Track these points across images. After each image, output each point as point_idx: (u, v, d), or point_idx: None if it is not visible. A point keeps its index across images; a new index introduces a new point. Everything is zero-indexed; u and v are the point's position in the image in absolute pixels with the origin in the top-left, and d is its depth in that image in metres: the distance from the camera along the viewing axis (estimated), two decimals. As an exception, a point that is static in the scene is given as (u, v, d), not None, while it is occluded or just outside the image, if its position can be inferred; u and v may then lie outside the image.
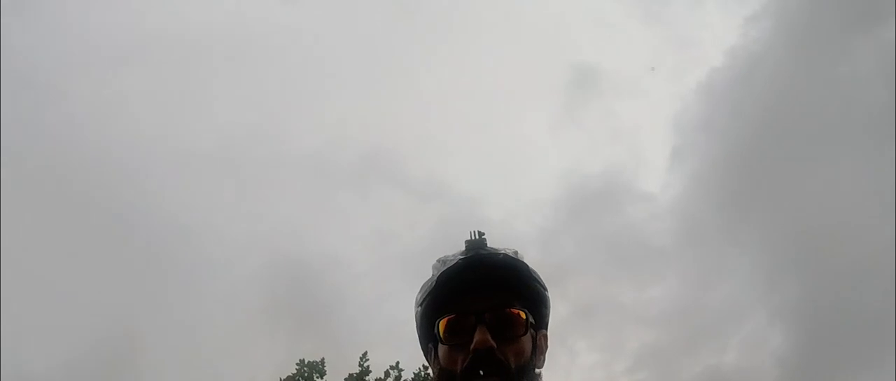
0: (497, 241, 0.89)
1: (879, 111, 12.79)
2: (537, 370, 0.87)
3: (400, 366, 10.40)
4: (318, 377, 10.15)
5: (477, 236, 0.88)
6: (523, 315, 0.85)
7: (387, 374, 10.36)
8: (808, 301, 13.11)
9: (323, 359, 10.25)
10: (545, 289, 0.90)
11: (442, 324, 0.85)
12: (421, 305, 0.89)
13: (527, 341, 0.85)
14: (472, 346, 0.82)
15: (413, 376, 10.35)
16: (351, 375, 10.28)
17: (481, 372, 0.82)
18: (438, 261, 0.89)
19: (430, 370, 0.92)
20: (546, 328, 0.91)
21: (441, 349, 0.86)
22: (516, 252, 0.89)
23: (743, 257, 14.87)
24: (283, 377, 10.08)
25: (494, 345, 0.82)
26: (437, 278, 0.87)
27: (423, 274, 0.91)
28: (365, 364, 10.36)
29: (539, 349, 0.88)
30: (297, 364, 10.16)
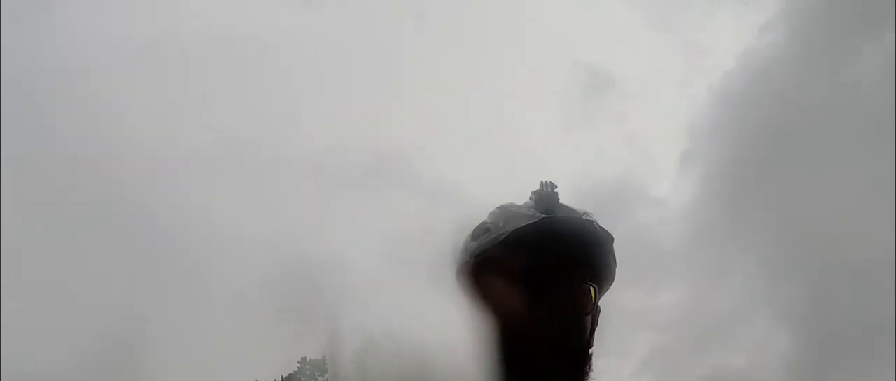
0: None
1: (886, 114, 12.79)
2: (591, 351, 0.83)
3: (402, 366, 10.30)
4: (319, 376, 10.08)
5: (550, 189, 0.79)
6: (593, 292, 0.80)
7: (389, 374, 10.26)
8: (814, 302, 13.13)
9: (324, 358, 10.20)
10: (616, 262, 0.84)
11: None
12: (476, 256, 0.80)
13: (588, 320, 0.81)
14: None
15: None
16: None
17: None
18: (500, 209, 0.80)
19: None
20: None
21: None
22: (587, 213, 0.81)
23: (751, 258, 14.83)
24: (285, 375, 10.04)
25: None
26: (508, 239, 0.78)
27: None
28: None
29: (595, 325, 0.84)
30: (299, 362, 10.13)
